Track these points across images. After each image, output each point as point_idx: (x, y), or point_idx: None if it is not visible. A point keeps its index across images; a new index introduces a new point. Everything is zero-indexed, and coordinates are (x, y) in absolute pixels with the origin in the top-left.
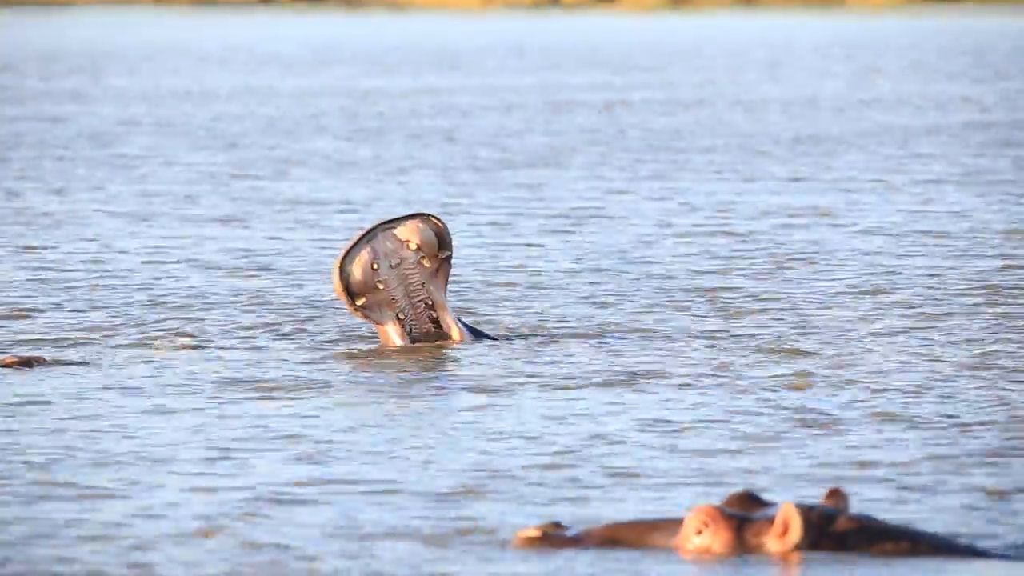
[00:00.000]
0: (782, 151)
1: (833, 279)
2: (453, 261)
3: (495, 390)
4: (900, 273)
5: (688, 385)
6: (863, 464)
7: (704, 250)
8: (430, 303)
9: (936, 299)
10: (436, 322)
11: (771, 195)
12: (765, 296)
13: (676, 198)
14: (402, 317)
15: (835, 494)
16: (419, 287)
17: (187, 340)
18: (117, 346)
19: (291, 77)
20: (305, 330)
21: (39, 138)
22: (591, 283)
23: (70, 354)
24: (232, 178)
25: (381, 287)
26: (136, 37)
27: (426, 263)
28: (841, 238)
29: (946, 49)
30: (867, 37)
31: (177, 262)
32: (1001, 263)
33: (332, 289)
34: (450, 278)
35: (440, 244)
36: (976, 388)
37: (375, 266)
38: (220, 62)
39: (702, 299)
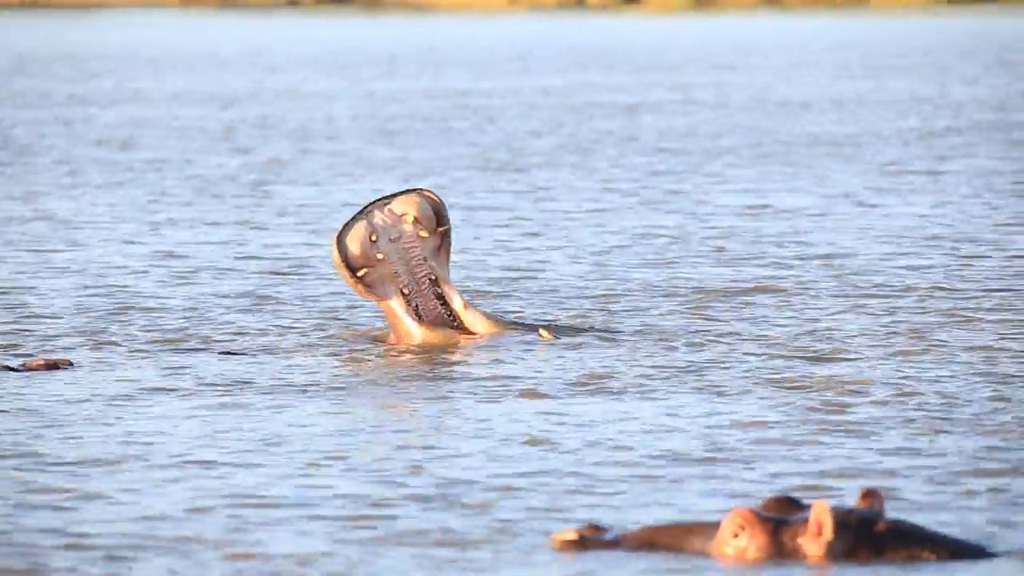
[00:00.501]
0: (797, 151)
1: (848, 280)
2: (466, 261)
3: (503, 391)
4: (917, 275)
5: (701, 388)
6: (886, 470)
7: (718, 251)
8: (433, 278)
9: (954, 301)
10: (440, 297)
11: (786, 195)
12: (780, 297)
13: (688, 198)
14: (406, 292)
15: (870, 494)
16: (421, 261)
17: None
18: (131, 350)
19: (309, 79)
20: (318, 333)
21: (55, 141)
22: (601, 284)
23: (88, 357)
24: (245, 180)
25: (381, 257)
26: (158, 40)
27: (424, 234)
28: (857, 239)
29: (966, 50)
30: (888, 37)
31: (187, 266)
32: (1022, 266)
33: (332, 266)
34: (461, 280)
35: (438, 218)
36: (996, 392)
37: (374, 238)
38: (238, 64)
39: (716, 300)
